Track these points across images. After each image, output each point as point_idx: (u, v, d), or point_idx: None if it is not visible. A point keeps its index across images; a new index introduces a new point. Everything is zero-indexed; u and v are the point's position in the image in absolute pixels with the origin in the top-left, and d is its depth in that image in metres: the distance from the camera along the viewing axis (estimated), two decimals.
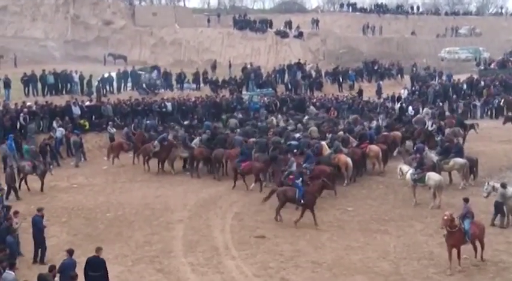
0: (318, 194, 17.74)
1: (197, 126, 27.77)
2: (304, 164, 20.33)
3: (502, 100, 35.87)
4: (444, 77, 43.98)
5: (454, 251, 14.08)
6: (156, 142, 23.87)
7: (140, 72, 36.91)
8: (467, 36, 66.44)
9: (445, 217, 14.11)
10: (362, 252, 15.48)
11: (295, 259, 15.11)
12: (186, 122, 28.71)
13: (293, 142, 23.06)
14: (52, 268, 11.95)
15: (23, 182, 21.07)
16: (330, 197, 20.51)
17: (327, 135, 24.59)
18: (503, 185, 17.21)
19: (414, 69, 46.58)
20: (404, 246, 15.64)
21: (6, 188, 19.29)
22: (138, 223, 17.88)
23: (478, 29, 68.04)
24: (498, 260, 14.79)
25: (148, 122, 28.64)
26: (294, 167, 19.80)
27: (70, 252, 12.77)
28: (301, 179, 17.96)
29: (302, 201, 17.44)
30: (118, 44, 57.37)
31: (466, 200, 15.15)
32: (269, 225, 17.64)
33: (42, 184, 21.08)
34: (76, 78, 32.03)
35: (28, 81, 30.47)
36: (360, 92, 38.71)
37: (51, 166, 22.08)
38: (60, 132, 26.00)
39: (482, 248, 14.56)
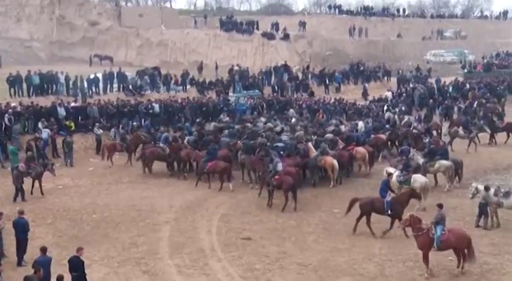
0: (405, 204, 17.11)
1: (184, 128, 27.70)
2: (271, 165, 20.40)
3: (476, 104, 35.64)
4: (432, 80, 44.13)
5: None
6: (162, 144, 23.64)
7: (146, 72, 37.11)
8: (452, 39, 67.03)
9: (406, 217, 14.40)
10: (348, 254, 15.55)
11: (281, 260, 15.14)
12: (179, 125, 28.51)
13: (279, 144, 23.11)
14: (37, 270, 11.86)
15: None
16: (316, 198, 20.61)
17: (313, 137, 24.67)
18: (486, 188, 17.38)
19: (400, 71, 46.88)
20: (389, 248, 15.73)
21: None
22: (124, 225, 17.81)
23: (464, 32, 68.69)
24: (482, 262, 14.90)
25: (134, 123, 28.56)
26: (279, 168, 19.84)
27: (43, 250, 12.84)
28: (388, 192, 17.03)
29: (390, 212, 16.80)
30: (104, 45, 57.09)
31: (440, 206, 14.80)
32: (255, 227, 17.67)
33: (40, 186, 20.70)
34: (62, 79, 31.80)
35: (13, 81, 30.17)
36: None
37: (54, 167, 21.80)
38: (46, 133, 25.82)
39: (464, 258, 14.11)
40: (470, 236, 14.18)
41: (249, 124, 27.86)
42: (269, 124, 27.35)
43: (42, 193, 20.64)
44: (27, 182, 20.56)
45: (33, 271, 11.90)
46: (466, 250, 14.01)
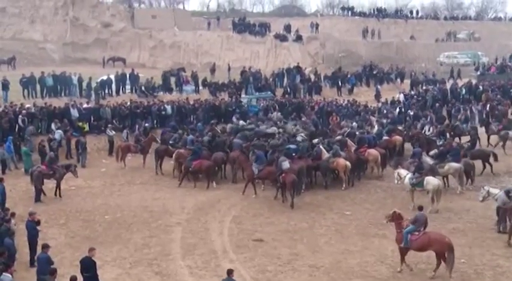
0: None
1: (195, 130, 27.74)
2: (254, 164, 20.88)
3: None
4: (450, 82, 43.74)
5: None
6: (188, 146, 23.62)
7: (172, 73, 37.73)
8: (466, 40, 66.57)
9: (389, 213, 14.85)
10: (360, 256, 15.50)
11: (293, 262, 15.12)
12: (191, 126, 28.57)
13: (292, 146, 23.06)
14: (53, 271, 11.97)
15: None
16: (328, 200, 20.58)
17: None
18: (507, 192, 17.08)
19: (413, 73, 46.63)
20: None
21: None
22: (137, 226, 17.89)
23: (477, 34, 68.20)
24: (495, 264, 14.81)
25: (147, 124, 28.66)
26: (285, 166, 20.10)
27: (44, 246, 13.00)
28: None
29: None
30: (117, 47, 57.43)
31: (420, 208, 15.11)
32: (267, 228, 17.66)
33: (58, 188, 20.85)
34: (75, 80, 32.05)
35: (27, 83, 30.46)
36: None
37: (76, 169, 21.95)
38: (58, 134, 26.00)
39: (445, 262, 13.87)
40: (451, 243, 13.94)
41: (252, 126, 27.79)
42: (274, 127, 27.23)
43: (60, 195, 20.79)
44: (47, 183, 20.82)
45: (49, 272, 12.00)
46: (446, 255, 13.89)
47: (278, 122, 29.11)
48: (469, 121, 31.13)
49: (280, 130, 26.50)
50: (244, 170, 22.15)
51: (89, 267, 12.51)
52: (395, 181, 20.38)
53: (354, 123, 28.86)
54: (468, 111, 34.48)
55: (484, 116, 32.94)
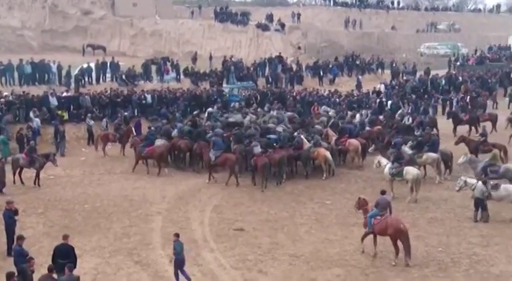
0: None
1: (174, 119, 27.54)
2: (211, 151, 21.36)
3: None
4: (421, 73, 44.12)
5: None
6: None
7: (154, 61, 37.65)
8: (446, 32, 67.09)
9: (357, 199, 15.38)
10: (340, 245, 15.62)
11: (273, 251, 15.19)
12: (168, 115, 28.37)
13: (272, 136, 23.09)
14: (30, 259, 11.85)
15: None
16: (308, 190, 20.68)
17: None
18: (484, 182, 17.42)
19: (394, 64, 46.89)
20: (381, 239, 15.77)
21: None
22: (116, 215, 17.80)
23: (457, 25, 68.75)
24: (472, 253, 15.04)
25: (126, 113, 28.38)
26: (256, 150, 20.85)
27: (18, 238, 12.91)
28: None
29: None
30: (97, 35, 56.80)
31: (382, 192, 15.40)
32: (248, 218, 17.70)
33: (38, 177, 20.63)
34: (54, 68, 31.66)
35: (4, 70, 30.03)
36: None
37: (56, 157, 21.74)
38: (36, 122, 25.70)
39: (400, 250, 14.17)
40: (406, 230, 14.19)
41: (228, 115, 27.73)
42: (252, 116, 27.19)
43: (39, 184, 20.57)
44: (25, 172, 20.70)
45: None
46: (402, 243, 14.16)
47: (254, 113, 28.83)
48: (428, 113, 31.27)
49: (252, 119, 26.36)
50: (203, 156, 22.47)
51: (67, 253, 12.37)
52: (374, 166, 20.59)
53: (331, 112, 28.93)
54: (447, 102, 34.94)
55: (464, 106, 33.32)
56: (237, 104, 31.19)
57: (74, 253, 12.56)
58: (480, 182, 17.47)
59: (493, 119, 30.18)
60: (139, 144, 23.24)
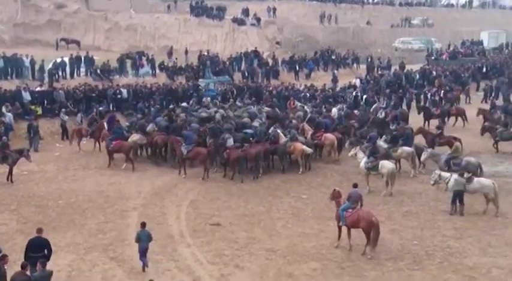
0: None
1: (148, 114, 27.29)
2: (183, 145, 21.51)
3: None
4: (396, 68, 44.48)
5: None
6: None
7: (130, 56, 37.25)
8: (420, 27, 67.72)
9: (332, 191, 15.55)
10: (316, 239, 15.72)
11: (250, 246, 15.22)
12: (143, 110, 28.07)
13: (248, 130, 23.10)
14: (4, 257, 11.65)
15: None
16: (285, 184, 20.74)
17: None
18: (461, 175, 17.68)
19: (369, 58, 47.21)
20: (356, 233, 15.90)
21: None
22: (91, 211, 17.63)
23: (431, 20, 69.46)
24: (445, 246, 15.27)
25: (101, 108, 28.06)
26: (229, 143, 21.32)
27: None
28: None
29: None
30: (71, 29, 55.95)
31: (354, 186, 15.63)
32: (224, 213, 17.70)
33: (10, 173, 20.32)
34: (27, 62, 31.12)
35: None
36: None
37: (29, 153, 21.44)
38: (9, 117, 25.29)
39: (369, 240, 14.41)
40: (377, 222, 14.42)
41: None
42: (221, 110, 27.14)
43: (11, 180, 20.26)
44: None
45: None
46: (371, 234, 14.40)
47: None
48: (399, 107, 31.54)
49: (225, 114, 26.30)
50: (175, 150, 22.50)
51: (41, 247, 12.30)
52: (349, 154, 21.00)
53: (307, 106, 29.02)
54: (422, 96, 35.29)
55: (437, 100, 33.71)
56: (209, 99, 30.90)
57: (50, 247, 12.48)
58: (455, 175, 17.72)
59: (461, 113, 30.73)
60: (107, 137, 23.33)
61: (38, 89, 28.70)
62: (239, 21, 53.14)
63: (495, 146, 25.39)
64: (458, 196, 17.46)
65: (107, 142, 23.06)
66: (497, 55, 53.68)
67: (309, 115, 26.43)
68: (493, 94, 37.88)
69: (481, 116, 29.55)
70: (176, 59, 40.30)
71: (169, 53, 43.76)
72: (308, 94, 33.62)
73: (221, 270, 13.85)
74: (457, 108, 31.87)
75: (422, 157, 21.28)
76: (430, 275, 13.66)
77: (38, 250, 12.28)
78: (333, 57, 47.07)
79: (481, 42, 59.71)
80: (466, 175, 17.81)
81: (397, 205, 18.53)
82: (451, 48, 53.92)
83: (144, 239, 13.71)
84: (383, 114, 28.01)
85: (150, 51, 44.36)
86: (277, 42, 51.72)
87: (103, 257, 14.40)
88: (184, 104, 29.31)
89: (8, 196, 18.85)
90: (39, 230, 12.79)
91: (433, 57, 50.44)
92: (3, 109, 25.68)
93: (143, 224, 13.94)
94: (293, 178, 21.55)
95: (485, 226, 16.67)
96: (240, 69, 40.53)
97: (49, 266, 11.91)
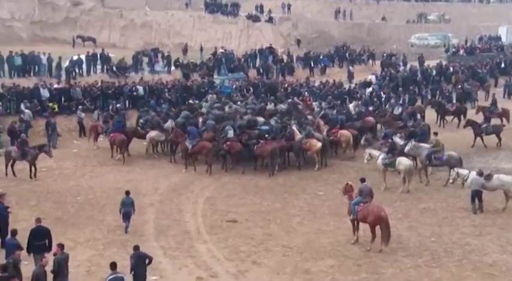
0: None
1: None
2: (188, 140, 21.64)
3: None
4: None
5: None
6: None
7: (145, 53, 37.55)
8: (436, 22, 67.03)
9: (344, 185, 15.57)
10: (332, 236, 15.70)
11: (266, 242, 15.24)
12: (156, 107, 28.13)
13: (264, 127, 23.11)
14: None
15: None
16: (301, 181, 20.73)
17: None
18: (480, 173, 17.50)
19: (385, 55, 46.94)
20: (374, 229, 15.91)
21: None
22: (109, 207, 17.76)
23: (447, 16, 68.77)
24: (464, 243, 15.17)
25: (118, 105, 28.22)
26: (230, 134, 21.67)
27: (13, 232, 13.04)
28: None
29: None
30: (87, 26, 56.35)
31: (362, 180, 15.69)
32: (240, 209, 17.74)
33: (32, 169, 20.52)
34: (44, 60, 31.39)
35: None
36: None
37: (50, 149, 21.65)
38: (28, 114, 25.55)
39: (375, 235, 14.54)
40: (386, 217, 14.43)
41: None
42: (235, 106, 27.29)
43: (35, 176, 20.48)
44: (17, 165, 20.68)
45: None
46: (381, 230, 14.48)
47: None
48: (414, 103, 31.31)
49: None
50: (180, 145, 22.68)
51: (44, 235, 12.94)
52: (365, 161, 20.65)
53: (323, 103, 28.97)
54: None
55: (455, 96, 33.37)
56: (214, 96, 30.85)
57: (50, 235, 13.05)
58: (473, 173, 17.58)
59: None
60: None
61: (56, 86, 28.94)
62: (254, 18, 53.13)
63: (475, 140, 25.08)
64: (476, 194, 17.30)
65: (107, 134, 23.86)
66: None
67: (322, 111, 26.41)
68: None
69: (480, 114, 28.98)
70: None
71: (184, 50, 43.87)
72: (321, 91, 33.49)
73: (238, 266, 13.89)
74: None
75: (406, 148, 20.85)
76: (449, 273, 13.57)
77: (41, 238, 12.92)
78: (348, 53, 46.82)
79: (499, 38, 58.89)
80: (484, 172, 17.63)
81: (414, 201, 18.44)
82: (468, 44, 53.37)
83: (128, 204, 15.74)
84: (399, 110, 27.85)
85: (165, 48, 44.51)
86: (298, 41, 51.34)
87: (121, 252, 14.47)
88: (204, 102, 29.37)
89: (28, 192, 19.07)
90: (38, 220, 13.39)
91: (449, 53, 49.98)
92: (22, 106, 25.97)
93: (127, 192, 15.95)
94: (309, 174, 21.53)
95: (505, 223, 16.54)
96: (254, 66, 40.55)
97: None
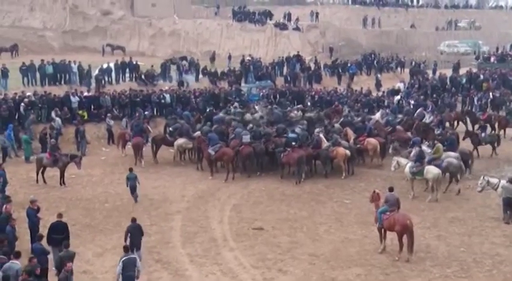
0: None
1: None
2: (210, 147, 21.92)
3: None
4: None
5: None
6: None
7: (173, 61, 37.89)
8: (466, 29, 66.30)
9: (371, 193, 15.47)
10: (359, 245, 15.57)
11: (293, 250, 15.19)
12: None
13: (291, 135, 23.06)
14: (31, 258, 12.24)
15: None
16: (328, 189, 20.63)
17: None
18: (511, 181, 17.12)
19: (413, 62, 46.51)
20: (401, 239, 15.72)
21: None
22: (137, 214, 17.77)
23: (478, 23, 67.91)
24: (495, 253, 14.89)
25: (147, 113, 28.49)
26: (245, 139, 22.13)
27: (38, 237, 13.39)
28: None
29: None
30: (116, 35, 57.12)
31: (390, 189, 15.50)
32: (267, 217, 17.72)
33: (63, 176, 20.89)
34: (74, 68, 31.97)
35: (26, 71, 30.39)
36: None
37: (81, 160, 21.65)
38: (58, 122, 25.99)
39: (404, 245, 14.40)
40: (411, 225, 14.27)
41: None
42: (256, 114, 27.39)
43: (64, 183, 20.82)
44: (47, 171, 21.04)
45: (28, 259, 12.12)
46: (406, 238, 14.35)
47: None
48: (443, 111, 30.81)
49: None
50: (203, 152, 22.90)
51: (62, 229, 13.80)
52: (392, 169, 20.45)
53: (347, 110, 28.78)
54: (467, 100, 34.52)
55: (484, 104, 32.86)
56: (236, 104, 30.89)
57: (68, 230, 13.95)
58: (504, 181, 17.25)
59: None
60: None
61: (85, 94, 29.40)
62: (281, 26, 53.22)
63: (476, 150, 24.49)
64: (508, 202, 16.94)
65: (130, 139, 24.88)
66: None
67: (341, 119, 26.36)
68: None
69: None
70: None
71: (212, 58, 44.13)
72: (349, 99, 33.31)
73: (264, 274, 13.87)
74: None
75: (412, 153, 20.51)
76: None
77: (59, 232, 13.73)
78: (376, 61, 46.51)
79: None
80: None
81: (442, 210, 18.18)
82: (499, 51, 52.55)
83: (132, 178, 18.67)
84: (430, 118, 27.51)
85: (193, 56, 44.87)
86: (330, 48, 51.12)
87: (148, 259, 14.61)
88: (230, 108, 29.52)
89: (58, 199, 19.38)
90: (60, 215, 14.20)
91: (480, 60, 49.26)
92: (53, 114, 26.43)
93: (131, 169, 19.02)
94: (336, 182, 21.42)
95: None
96: (282, 73, 40.56)
97: (96, 265, 12.23)
